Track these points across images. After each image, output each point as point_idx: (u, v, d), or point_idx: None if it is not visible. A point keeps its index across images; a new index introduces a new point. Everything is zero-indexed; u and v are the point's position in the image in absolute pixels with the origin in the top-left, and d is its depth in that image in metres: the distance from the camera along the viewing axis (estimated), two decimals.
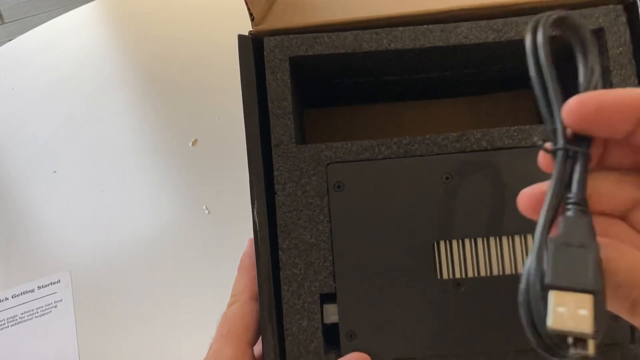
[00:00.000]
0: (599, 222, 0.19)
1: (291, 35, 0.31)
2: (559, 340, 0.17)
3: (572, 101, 0.20)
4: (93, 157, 0.60)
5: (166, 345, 0.45)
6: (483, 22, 0.30)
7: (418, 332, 0.27)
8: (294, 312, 0.28)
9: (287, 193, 0.29)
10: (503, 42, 0.31)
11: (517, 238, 0.28)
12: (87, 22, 0.81)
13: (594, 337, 0.17)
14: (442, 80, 0.38)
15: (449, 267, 0.28)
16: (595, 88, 0.21)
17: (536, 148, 0.28)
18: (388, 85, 0.38)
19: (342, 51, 0.31)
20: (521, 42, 0.31)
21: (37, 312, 0.48)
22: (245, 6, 0.32)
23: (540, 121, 0.32)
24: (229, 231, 0.51)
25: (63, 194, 0.57)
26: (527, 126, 0.29)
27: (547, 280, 0.17)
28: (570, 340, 0.17)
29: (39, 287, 0.50)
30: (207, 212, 0.54)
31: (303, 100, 0.36)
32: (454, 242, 0.28)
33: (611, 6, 0.30)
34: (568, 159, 0.20)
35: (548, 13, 0.21)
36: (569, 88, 0.36)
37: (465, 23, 0.30)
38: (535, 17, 0.21)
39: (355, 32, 0.31)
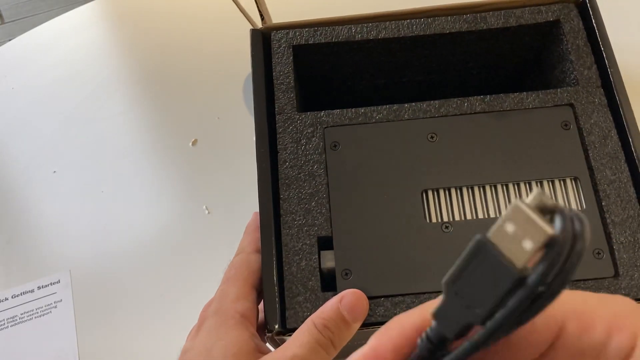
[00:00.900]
0: None
1: (295, 29, 0.36)
2: None
3: None
4: (93, 157, 0.60)
5: (166, 345, 0.45)
6: (456, 16, 0.36)
7: (409, 270, 0.29)
8: (293, 253, 0.30)
9: (288, 152, 0.33)
10: (475, 31, 0.36)
11: (498, 186, 0.31)
12: (87, 22, 0.81)
13: None
14: (429, 84, 0.42)
15: (437, 211, 0.31)
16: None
17: (507, 111, 0.33)
18: (379, 90, 0.42)
19: (338, 40, 0.36)
20: (489, 32, 0.36)
21: (37, 312, 0.48)
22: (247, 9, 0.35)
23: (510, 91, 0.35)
24: (229, 231, 0.51)
25: (63, 194, 0.57)
26: (501, 94, 0.34)
27: None
28: None
29: (38, 287, 0.50)
30: (207, 212, 0.54)
31: (301, 102, 0.38)
32: (441, 191, 0.31)
33: (565, 4, 0.36)
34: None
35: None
36: (548, 72, 0.37)
37: (442, 17, 0.36)
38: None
39: (348, 26, 0.36)
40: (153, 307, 0.48)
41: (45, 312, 0.48)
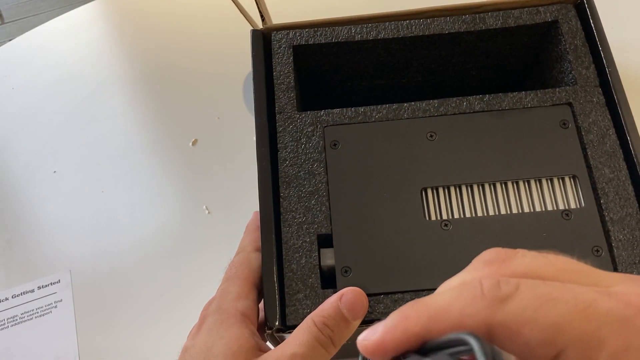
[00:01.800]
0: None
1: (295, 30, 0.36)
2: None
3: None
4: (93, 157, 0.60)
5: (166, 345, 0.45)
6: (455, 17, 0.36)
7: (408, 267, 0.29)
8: (293, 250, 0.30)
9: (288, 151, 0.33)
10: (474, 32, 0.36)
11: (497, 185, 0.31)
12: (87, 22, 0.81)
13: None
14: (429, 85, 0.42)
15: (436, 210, 0.31)
16: None
17: (506, 110, 0.33)
18: (379, 91, 0.42)
19: (338, 40, 0.36)
20: (488, 32, 0.36)
21: (37, 312, 0.48)
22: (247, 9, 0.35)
23: (506, 90, 0.35)
24: (229, 231, 0.51)
25: (63, 194, 0.57)
26: (499, 94, 0.34)
27: None
28: None
29: (39, 287, 0.50)
30: (207, 212, 0.54)
31: (302, 102, 0.38)
32: (440, 189, 0.31)
33: (563, 4, 0.36)
34: None
35: None
36: (546, 72, 0.37)
37: (441, 18, 0.36)
38: None
39: (348, 26, 0.36)
40: (153, 307, 0.48)
41: (45, 312, 0.48)
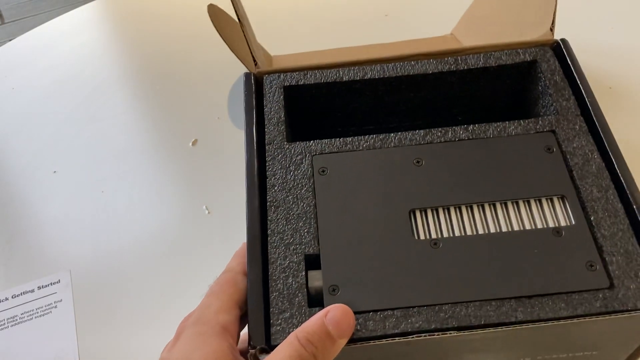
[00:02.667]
0: None
1: (286, 73, 0.38)
2: None
3: None
4: (93, 157, 0.60)
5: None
6: (439, 59, 0.38)
7: (397, 285, 0.29)
8: (280, 270, 0.30)
9: (277, 177, 0.34)
10: (456, 71, 0.38)
11: (486, 205, 0.32)
12: (87, 22, 0.81)
13: None
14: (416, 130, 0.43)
15: (425, 230, 0.31)
16: None
17: (491, 137, 0.34)
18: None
19: (326, 81, 0.38)
20: (470, 72, 0.38)
21: (37, 312, 0.48)
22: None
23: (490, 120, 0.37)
24: (229, 231, 0.51)
25: (63, 194, 0.57)
26: (483, 124, 0.35)
27: None
28: None
29: (39, 287, 0.50)
30: (207, 212, 0.54)
31: (292, 137, 0.39)
32: (429, 211, 0.32)
33: (541, 47, 0.38)
34: None
35: None
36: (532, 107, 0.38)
37: (425, 60, 0.38)
38: None
39: (336, 69, 0.38)
40: (153, 307, 0.48)
41: (45, 312, 0.48)
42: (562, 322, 0.27)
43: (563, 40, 0.38)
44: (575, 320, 0.27)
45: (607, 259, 0.29)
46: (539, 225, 0.31)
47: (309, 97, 0.39)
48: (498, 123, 0.35)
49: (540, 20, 0.44)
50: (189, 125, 0.62)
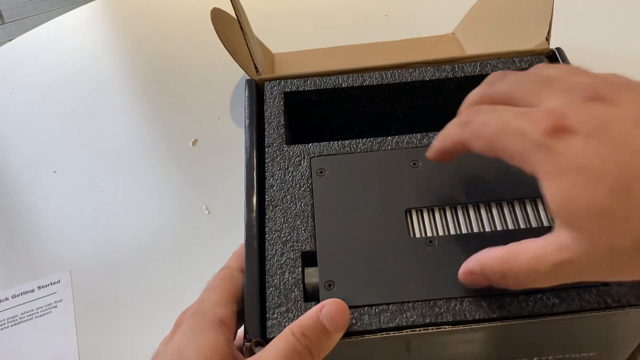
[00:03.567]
0: None
1: (286, 80, 0.39)
2: None
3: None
4: (93, 157, 0.60)
5: None
6: (436, 67, 0.39)
7: (392, 281, 0.29)
8: (277, 266, 0.31)
9: (276, 178, 0.34)
10: (453, 79, 0.39)
11: (481, 205, 0.32)
12: (87, 22, 0.81)
13: None
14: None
15: (420, 228, 0.31)
16: None
17: None
18: None
19: (326, 87, 0.39)
20: (467, 79, 0.38)
21: (37, 312, 0.48)
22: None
23: None
24: (229, 231, 0.51)
25: (63, 194, 0.57)
26: None
27: None
28: None
29: (39, 287, 0.50)
30: (207, 212, 0.54)
31: (292, 138, 0.40)
32: (424, 210, 0.32)
33: (536, 55, 0.39)
34: None
35: None
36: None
37: (422, 68, 0.39)
38: None
39: (336, 76, 0.39)
40: (153, 307, 0.48)
41: (45, 312, 0.48)
42: (555, 317, 0.28)
43: (558, 49, 0.39)
44: (568, 317, 0.28)
45: None
46: (534, 225, 0.31)
47: (308, 103, 0.39)
48: None
49: (537, 30, 0.46)
50: (189, 125, 0.62)
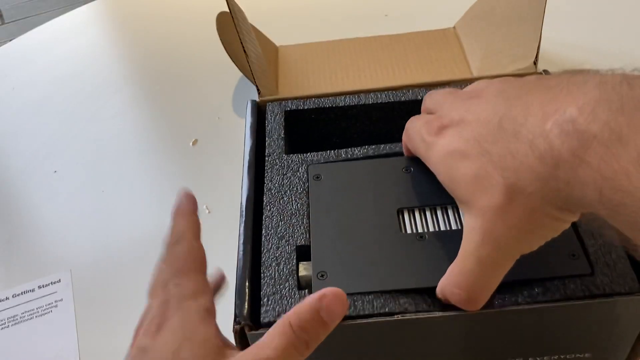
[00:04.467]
0: None
1: (287, 100, 0.42)
2: None
3: None
4: (93, 157, 0.60)
5: None
6: (430, 88, 0.40)
7: (384, 272, 0.30)
8: (272, 259, 0.32)
9: (274, 182, 0.36)
10: None
11: None
12: (87, 22, 0.81)
13: None
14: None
15: (412, 225, 0.33)
16: None
17: None
18: None
19: (324, 106, 0.41)
20: None
21: (38, 312, 0.48)
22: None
23: None
24: (229, 231, 0.51)
25: (63, 194, 0.57)
26: None
27: None
28: None
29: (39, 287, 0.50)
30: (207, 212, 0.54)
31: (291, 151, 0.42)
32: (416, 210, 0.33)
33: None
34: None
35: None
36: None
37: (417, 88, 0.41)
38: None
39: (333, 97, 0.42)
40: None
41: (45, 311, 0.48)
42: (539, 305, 0.28)
43: (545, 71, 0.40)
44: (552, 305, 0.28)
45: (589, 250, 0.30)
46: None
47: (308, 122, 0.41)
48: None
49: (533, 31, 0.48)
50: (189, 125, 0.62)
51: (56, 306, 0.48)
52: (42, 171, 0.59)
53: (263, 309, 0.30)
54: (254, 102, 0.42)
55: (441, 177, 0.29)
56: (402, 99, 0.40)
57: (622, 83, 0.22)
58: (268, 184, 0.36)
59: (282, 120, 0.40)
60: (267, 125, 0.40)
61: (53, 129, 0.64)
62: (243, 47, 0.49)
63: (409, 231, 0.32)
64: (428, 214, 0.33)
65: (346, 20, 0.72)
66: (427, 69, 0.60)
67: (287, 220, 0.34)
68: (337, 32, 0.66)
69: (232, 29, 0.52)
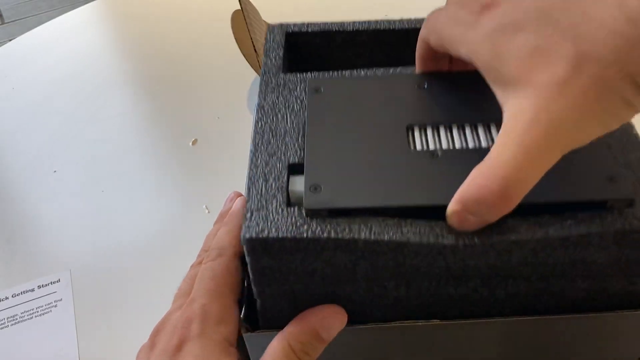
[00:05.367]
0: None
1: (290, 24, 0.37)
2: None
3: None
4: (93, 157, 0.60)
5: None
6: None
7: (387, 187, 0.26)
8: (260, 175, 0.28)
9: (267, 100, 0.32)
10: None
11: (492, 124, 0.29)
12: (87, 22, 0.81)
13: None
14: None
15: (423, 142, 0.28)
16: None
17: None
18: None
19: (330, 30, 0.37)
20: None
21: (37, 312, 0.48)
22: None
23: None
24: None
25: (63, 194, 0.57)
26: None
27: None
28: None
29: (39, 287, 0.50)
30: (207, 212, 0.54)
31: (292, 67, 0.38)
32: (428, 127, 0.29)
33: None
34: None
35: None
36: None
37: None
38: None
39: (341, 22, 0.37)
40: (153, 307, 0.48)
41: (45, 311, 0.48)
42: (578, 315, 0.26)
43: None
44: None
45: (626, 177, 0.26)
46: None
47: (311, 46, 0.37)
48: None
49: None
50: (189, 125, 0.62)
51: (56, 306, 0.48)
52: (42, 171, 0.59)
53: (245, 224, 0.26)
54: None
55: (483, 57, 0.24)
56: (418, 26, 0.35)
57: None
58: (261, 102, 0.32)
59: (283, 40, 0.36)
60: (265, 45, 0.35)
61: (53, 129, 0.64)
62: (253, 45, 0.48)
63: (418, 148, 0.28)
64: (442, 131, 0.28)
65: (349, 14, 0.72)
66: None
67: (279, 138, 0.30)
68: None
69: (245, 27, 0.52)
